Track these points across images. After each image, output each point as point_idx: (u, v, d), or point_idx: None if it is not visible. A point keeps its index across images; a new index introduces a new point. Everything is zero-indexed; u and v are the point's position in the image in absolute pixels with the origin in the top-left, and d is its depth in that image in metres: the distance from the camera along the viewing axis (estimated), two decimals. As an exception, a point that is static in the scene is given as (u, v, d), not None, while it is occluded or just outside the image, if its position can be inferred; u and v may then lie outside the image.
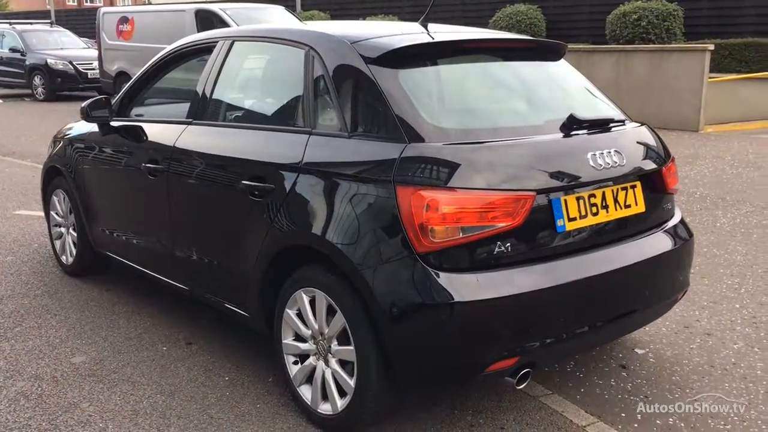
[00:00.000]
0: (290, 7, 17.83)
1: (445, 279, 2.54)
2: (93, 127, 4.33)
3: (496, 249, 2.60)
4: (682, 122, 11.54)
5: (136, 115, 4.19)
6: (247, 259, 3.19)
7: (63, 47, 18.50)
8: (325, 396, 2.94)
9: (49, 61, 17.32)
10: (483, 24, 16.29)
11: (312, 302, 2.93)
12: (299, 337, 3.04)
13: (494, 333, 2.61)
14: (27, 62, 17.80)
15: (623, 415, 3.10)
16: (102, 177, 4.36)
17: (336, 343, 2.85)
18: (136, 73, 4.32)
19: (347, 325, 2.76)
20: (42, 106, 16.57)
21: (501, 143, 2.76)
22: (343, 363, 2.85)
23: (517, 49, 3.43)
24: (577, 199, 2.80)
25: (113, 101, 4.22)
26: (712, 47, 11.58)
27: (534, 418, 3.04)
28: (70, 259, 4.82)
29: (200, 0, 18.57)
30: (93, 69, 16.87)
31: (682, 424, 3.02)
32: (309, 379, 3.02)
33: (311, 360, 3.00)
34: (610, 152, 2.90)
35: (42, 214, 5.36)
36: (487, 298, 2.55)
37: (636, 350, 3.70)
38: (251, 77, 3.78)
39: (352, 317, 2.73)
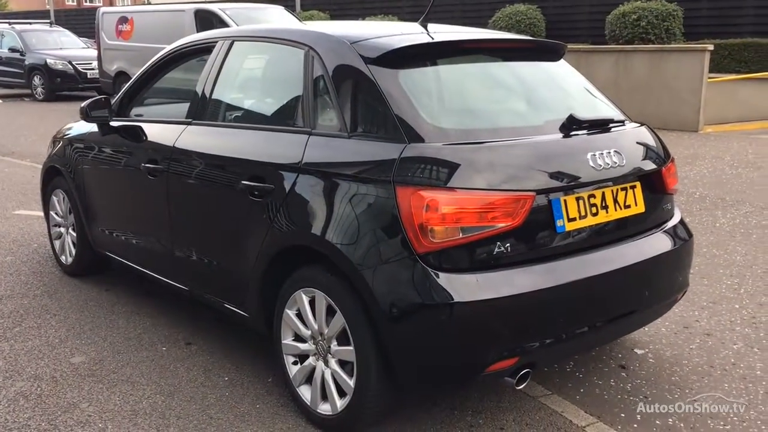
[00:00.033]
0: (290, 7, 17.83)
1: (444, 279, 2.54)
2: (92, 127, 4.33)
3: (496, 249, 2.60)
4: (682, 122, 11.54)
5: (136, 115, 4.19)
6: (246, 260, 3.19)
7: (62, 47, 18.50)
8: (325, 396, 2.94)
9: (48, 61, 17.32)
10: (482, 24, 16.30)
11: (312, 302, 2.93)
12: (299, 338, 3.04)
13: (494, 333, 2.61)
14: (26, 62, 17.79)
15: (623, 415, 3.10)
16: (101, 177, 4.36)
17: (335, 343, 2.85)
18: (136, 73, 4.32)
19: (347, 325, 2.75)
20: (41, 106, 16.57)
21: (501, 143, 2.76)
22: (342, 363, 2.85)
23: (517, 50, 3.43)
24: (577, 199, 2.80)
25: (113, 101, 4.22)
26: (711, 47, 11.58)
27: (533, 419, 3.04)
28: (70, 259, 4.82)
29: (200, 0, 18.56)
30: (92, 69, 16.87)
31: (682, 425, 3.03)
32: (308, 379, 3.02)
33: (311, 360, 3.00)
34: (609, 152, 2.90)
35: (41, 214, 5.36)
36: (486, 299, 2.55)
37: (635, 350, 3.70)
38: (251, 77, 3.77)
39: (351, 317, 2.73)
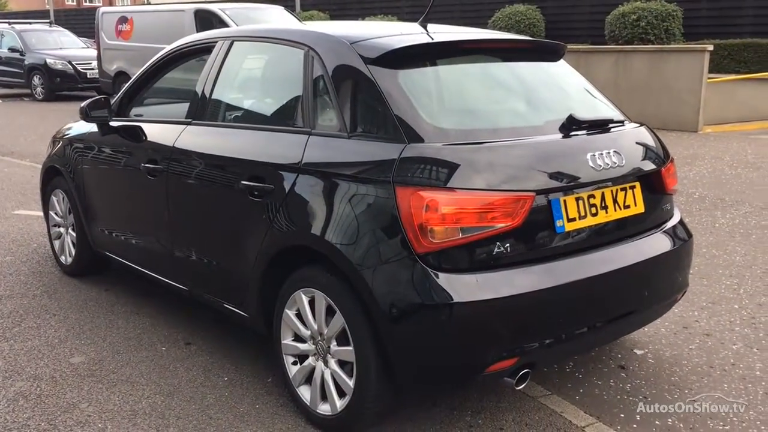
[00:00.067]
0: (289, 7, 17.83)
1: (444, 279, 2.54)
2: (92, 127, 4.33)
3: (496, 249, 2.60)
4: (681, 123, 11.55)
5: (136, 115, 4.19)
6: (246, 260, 3.19)
7: (62, 47, 18.50)
8: (324, 396, 2.94)
9: (48, 60, 17.32)
10: (482, 24, 16.30)
11: (311, 302, 2.93)
12: (298, 338, 3.04)
13: (494, 333, 2.61)
14: (26, 62, 17.79)
15: (622, 415, 3.10)
16: (101, 177, 4.35)
17: (335, 343, 2.85)
18: (135, 73, 4.32)
19: (346, 325, 2.75)
20: (41, 105, 16.57)
21: (500, 144, 2.76)
22: (342, 363, 2.85)
23: (517, 50, 3.43)
24: (577, 199, 2.80)
25: (112, 101, 4.22)
26: (711, 48, 11.59)
27: (533, 419, 3.04)
28: (69, 259, 4.81)
29: (199, 0, 18.57)
30: (92, 69, 16.87)
31: (681, 425, 3.03)
32: (308, 379, 3.02)
33: (310, 360, 3.00)
34: (609, 153, 2.90)
35: (41, 214, 5.36)
36: (486, 299, 2.55)
37: (635, 351, 3.70)
38: (251, 77, 3.77)
39: (351, 317, 2.73)
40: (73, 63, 17.36)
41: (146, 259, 4.07)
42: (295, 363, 3.08)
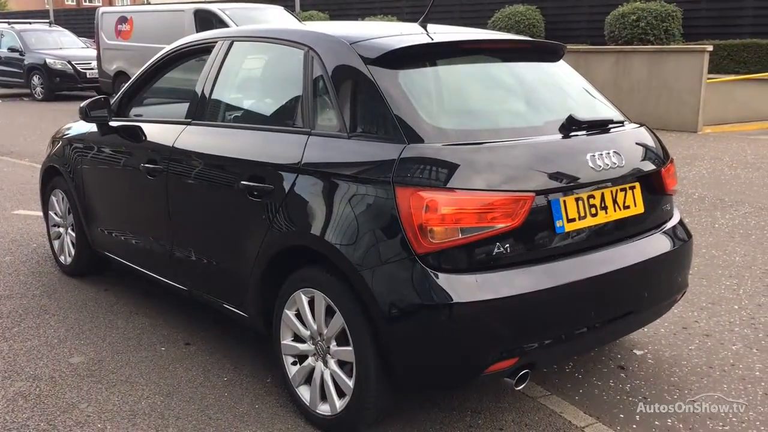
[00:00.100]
0: (289, 7, 17.83)
1: (444, 280, 2.54)
2: (92, 127, 4.33)
3: (495, 250, 2.60)
4: (681, 123, 11.55)
5: (135, 115, 4.18)
6: (245, 260, 3.19)
7: (62, 47, 18.50)
8: (324, 397, 2.94)
9: (47, 60, 17.32)
10: (482, 25, 16.30)
11: (311, 303, 2.92)
12: (298, 338, 3.04)
13: (493, 334, 2.61)
14: (26, 62, 17.79)
15: (622, 416, 3.10)
16: (101, 177, 4.35)
17: (335, 343, 2.85)
18: (135, 73, 4.32)
19: (346, 325, 2.75)
20: (40, 105, 16.56)
21: (500, 144, 2.76)
22: (341, 363, 2.85)
23: (516, 50, 3.43)
24: (576, 200, 2.80)
25: (112, 101, 4.22)
26: (710, 48, 11.59)
27: (533, 419, 3.04)
28: (69, 259, 4.81)
29: (199, 0, 18.56)
30: (92, 69, 16.86)
31: (681, 425, 3.03)
32: (308, 379, 3.02)
33: (310, 360, 2.99)
34: (609, 153, 2.90)
35: (40, 213, 5.35)
36: (486, 299, 2.55)
37: (635, 351, 3.70)
38: (250, 77, 3.77)
39: (351, 318, 2.73)
40: (73, 63, 17.37)
41: (146, 259, 4.07)
42: (294, 363, 3.08)
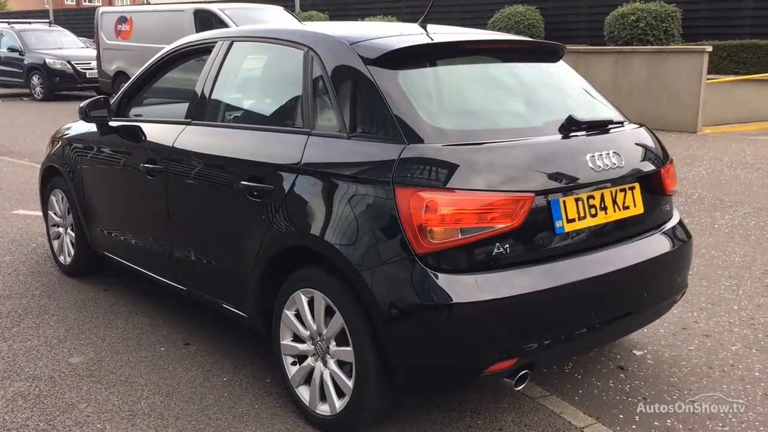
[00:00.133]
0: (289, 7, 17.83)
1: (443, 280, 2.54)
2: (91, 127, 4.33)
3: (495, 250, 2.60)
4: (681, 123, 11.56)
5: (135, 115, 4.18)
6: (245, 260, 3.19)
7: (61, 47, 18.49)
8: (324, 397, 2.94)
9: (47, 60, 17.31)
10: (481, 25, 16.30)
11: (310, 303, 2.92)
12: (298, 338, 3.04)
13: (493, 334, 2.61)
14: (25, 62, 17.78)
15: (621, 416, 3.10)
16: (100, 177, 4.35)
17: (334, 343, 2.85)
18: (135, 73, 4.32)
19: (346, 325, 2.75)
20: (40, 105, 16.56)
21: (500, 144, 2.76)
22: (341, 364, 2.85)
23: (516, 51, 3.44)
24: (576, 200, 2.80)
25: (112, 101, 4.22)
26: (710, 49, 11.60)
27: (532, 420, 3.04)
28: (68, 259, 4.81)
29: (199, 0, 18.56)
30: (91, 69, 16.86)
31: (680, 426, 3.03)
32: (307, 379, 3.02)
33: (309, 361, 2.99)
34: (608, 154, 2.90)
35: (40, 213, 5.35)
36: (485, 300, 2.55)
37: (634, 352, 3.70)
38: (250, 77, 3.77)
39: (350, 318, 2.73)
40: (73, 63, 17.36)
41: (145, 259, 4.07)
42: (294, 363, 3.08)
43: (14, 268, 4.98)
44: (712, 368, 3.52)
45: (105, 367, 3.52)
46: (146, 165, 3.77)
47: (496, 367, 2.64)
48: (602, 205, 2.88)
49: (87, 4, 50.57)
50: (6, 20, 21.72)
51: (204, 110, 3.63)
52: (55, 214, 4.93)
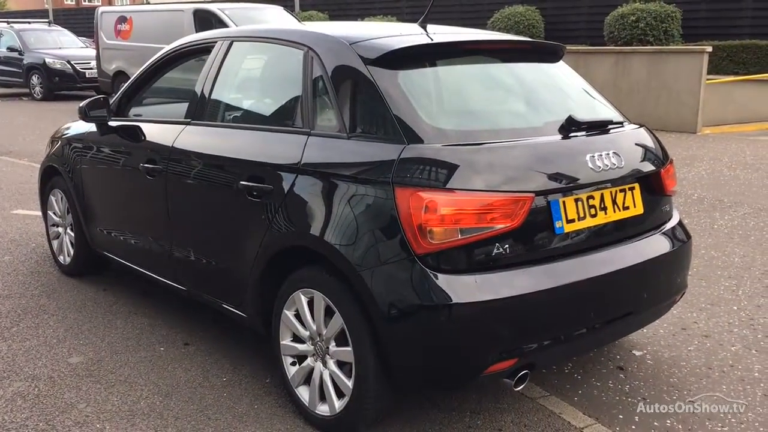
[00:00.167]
0: (289, 7, 17.83)
1: (443, 280, 2.54)
2: (91, 127, 4.33)
3: (495, 250, 2.60)
4: (680, 124, 11.56)
5: (135, 115, 4.18)
6: (245, 260, 3.19)
7: (61, 46, 18.49)
8: (323, 397, 2.94)
9: (47, 60, 17.31)
10: (481, 25, 16.30)
11: (310, 303, 2.92)
12: (297, 338, 3.04)
13: (493, 334, 2.61)
14: (25, 61, 17.77)
15: (621, 416, 3.10)
16: (100, 177, 4.35)
17: (334, 344, 2.85)
18: (135, 72, 4.32)
19: (345, 326, 2.75)
20: (40, 105, 16.55)
21: (500, 145, 2.76)
22: (341, 364, 2.85)
23: (516, 51, 3.43)
24: (576, 200, 2.80)
25: (111, 101, 4.22)
26: (710, 49, 11.60)
27: (532, 420, 3.04)
28: (68, 259, 4.81)
29: (199, 0, 18.56)
30: (91, 68, 16.85)
31: (680, 426, 3.03)
32: (307, 380, 3.02)
33: (309, 361, 2.99)
34: (608, 154, 2.90)
35: (39, 213, 5.35)
36: (485, 300, 2.55)
37: (634, 352, 3.70)
38: (250, 77, 3.77)
39: (350, 318, 2.73)
40: (72, 62, 17.35)
41: (145, 259, 4.07)
42: (293, 363, 3.08)
43: (13, 268, 4.97)
44: (711, 369, 3.52)
45: (104, 367, 3.52)
46: (146, 165, 3.76)
47: (495, 368, 2.64)
48: (602, 206, 2.88)
49: (86, 3, 50.55)
50: (5, 20, 21.72)
51: (204, 110, 3.63)
52: (54, 213, 4.92)
